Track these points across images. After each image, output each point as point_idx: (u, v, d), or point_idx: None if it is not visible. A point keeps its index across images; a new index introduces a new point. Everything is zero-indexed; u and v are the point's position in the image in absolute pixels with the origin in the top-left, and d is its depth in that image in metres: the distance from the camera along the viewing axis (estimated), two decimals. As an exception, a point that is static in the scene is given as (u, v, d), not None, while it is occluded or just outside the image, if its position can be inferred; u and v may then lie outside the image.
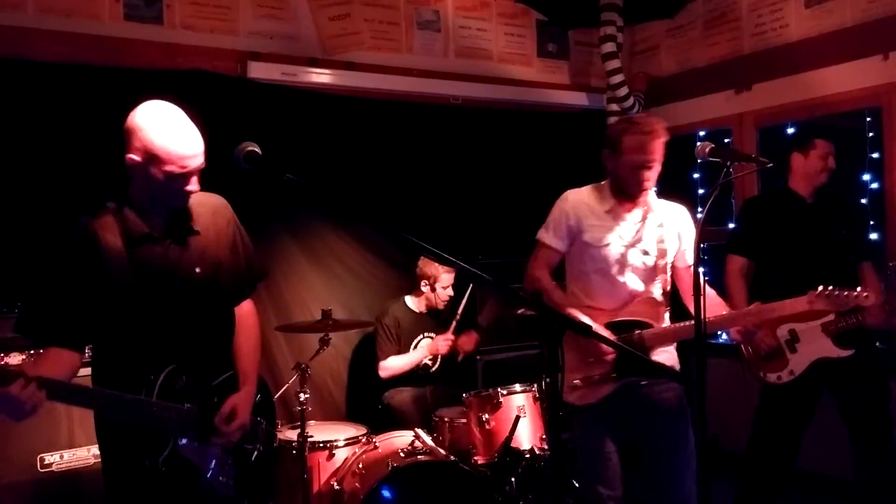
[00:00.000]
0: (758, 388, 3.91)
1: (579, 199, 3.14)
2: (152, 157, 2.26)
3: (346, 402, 4.77)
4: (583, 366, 3.03)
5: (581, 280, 3.17)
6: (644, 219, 3.10)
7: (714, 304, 3.17)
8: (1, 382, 1.99)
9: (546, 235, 3.17)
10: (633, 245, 3.09)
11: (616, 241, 3.08)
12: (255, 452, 2.61)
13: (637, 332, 3.06)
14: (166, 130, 2.27)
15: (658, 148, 2.96)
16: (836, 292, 2.95)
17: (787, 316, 3.25)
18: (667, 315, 3.18)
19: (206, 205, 2.52)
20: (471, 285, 4.59)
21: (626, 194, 3.07)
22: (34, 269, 2.40)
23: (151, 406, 2.29)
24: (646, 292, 3.12)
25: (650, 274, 3.13)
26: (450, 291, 4.57)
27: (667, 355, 3.12)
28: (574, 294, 3.17)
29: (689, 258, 3.17)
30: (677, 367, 3.15)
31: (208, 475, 2.43)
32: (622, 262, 3.09)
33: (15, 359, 3.35)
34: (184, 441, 2.37)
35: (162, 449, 2.33)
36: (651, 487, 3.13)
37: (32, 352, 3.29)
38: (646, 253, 3.10)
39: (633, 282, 3.10)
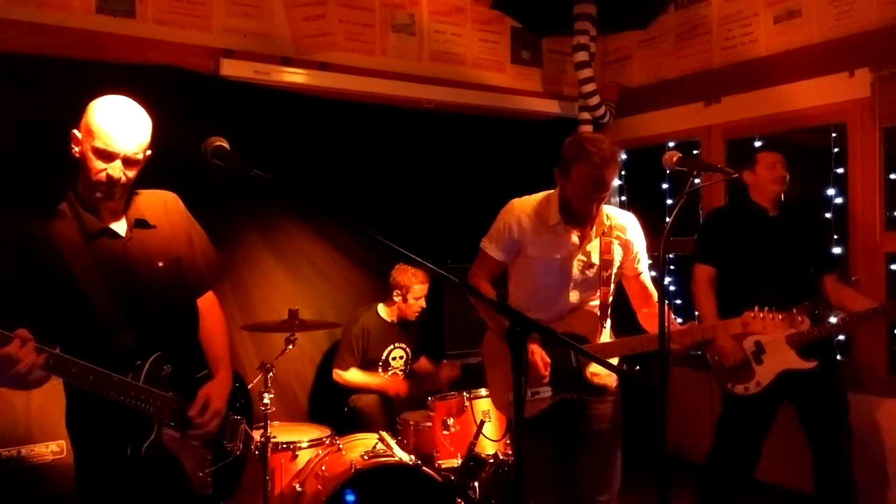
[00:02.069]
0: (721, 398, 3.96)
1: (524, 212, 3.08)
2: (87, 132, 2.28)
3: (311, 404, 4.74)
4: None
5: (521, 291, 3.15)
6: (589, 232, 3.05)
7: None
8: None
9: (489, 246, 3.13)
10: (576, 259, 3.04)
11: (560, 255, 3.03)
12: (235, 451, 2.60)
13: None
14: (108, 110, 2.30)
15: (609, 177, 2.87)
16: (770, 316, 2.93)
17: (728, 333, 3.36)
18: (606, 329, 3.14)
19: (157, 201, 2.52)
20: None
21: (573, 216, 3.01)
22: None
23: (139, 389, 2.27)
24: (583, 305, 3.09)
25: (591, 287, 3.09)
26: (422, 303, 4.53)
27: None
28: (514, 304, 3.10)
29: (641, 266, 3.15)
30: (614, 382, 3.12)
31: (188, 469, 2.41)
32: (564, 276, 3.04)
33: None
34: (166, 430, 2.34)
35: (146, 436, 2.30)
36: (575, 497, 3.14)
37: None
38: (589, 266, 3.05)
39: (573, 295, 3.07)
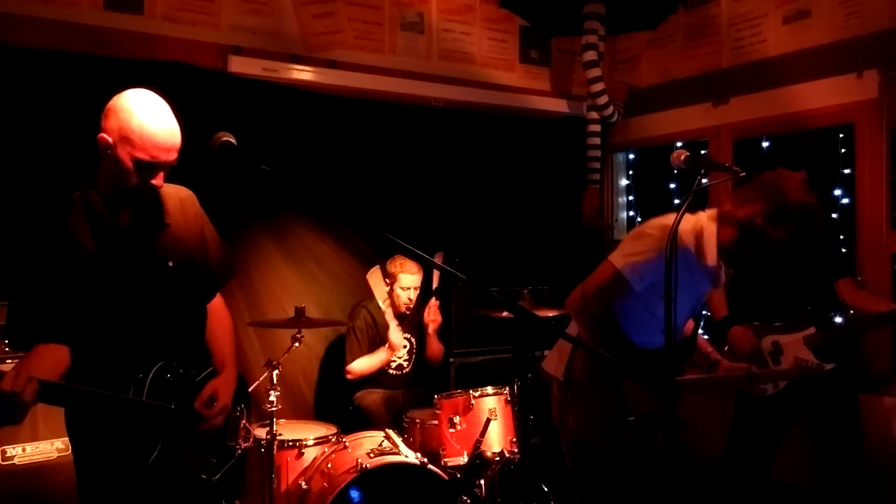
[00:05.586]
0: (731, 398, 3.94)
1: (684, 246, 2.76)
2: (124, 139, 2.19)
3: (317, 401, 4.75)
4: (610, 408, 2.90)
5: (635, 318, 2.91)
6: None
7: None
8: None
9: (633, 276, 2.74)
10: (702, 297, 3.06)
11: (703, 289, 2.98)
12: (238, 450, 2.59)
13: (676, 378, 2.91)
14: (145, 115, 2.21)
15: None
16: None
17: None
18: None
19: (174, 197, 2.47)
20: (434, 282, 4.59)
21: (734, 260, 2.87)
22: (9, 268, 2.33)
23: (143, 406, 2.25)
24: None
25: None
26: (411, 294, 4.49)
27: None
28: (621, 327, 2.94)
29: None
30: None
31: (193, 473, 2.40)
32: (693, 306, 3.03)
33: (8, 367, 3.29)
34: (171, 440, 2.33)
35: (151, 449, 2.27)
36: None
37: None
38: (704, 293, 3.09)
39: (689, 322, 3.13)
